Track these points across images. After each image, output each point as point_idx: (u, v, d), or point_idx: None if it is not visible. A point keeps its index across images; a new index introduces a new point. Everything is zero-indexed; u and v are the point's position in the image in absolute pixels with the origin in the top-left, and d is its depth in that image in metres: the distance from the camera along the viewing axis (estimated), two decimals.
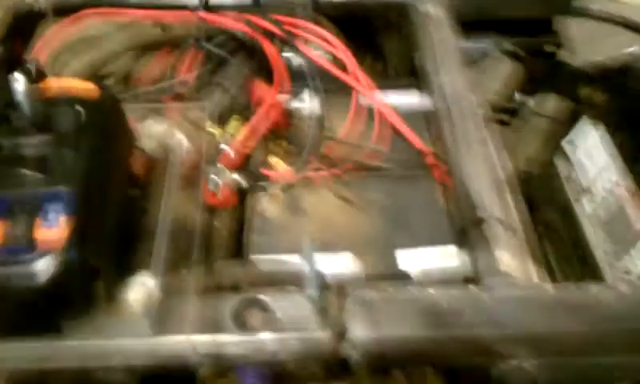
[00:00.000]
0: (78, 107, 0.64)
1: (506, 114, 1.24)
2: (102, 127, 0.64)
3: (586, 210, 1.07)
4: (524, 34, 1.20)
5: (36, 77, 0.66)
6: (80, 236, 0.56)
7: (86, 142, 0.61)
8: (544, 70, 1.22)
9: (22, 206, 0.56)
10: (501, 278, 0.70)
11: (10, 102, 0.63)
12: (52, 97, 0.66)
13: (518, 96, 1.23)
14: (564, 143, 1.14)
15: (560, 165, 1.15)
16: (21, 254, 0.54)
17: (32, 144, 0.61)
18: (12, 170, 0.59)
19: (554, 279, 1.00)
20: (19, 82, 0.60)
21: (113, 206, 0.65)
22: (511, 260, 0.72)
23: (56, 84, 0.67)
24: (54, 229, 0.55)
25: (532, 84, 1.22)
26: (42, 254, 0.54)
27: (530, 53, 1.21)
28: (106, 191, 0.62)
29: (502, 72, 1.23)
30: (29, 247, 0.54)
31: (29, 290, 0.54)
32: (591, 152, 1.09)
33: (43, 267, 0.53)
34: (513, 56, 1.22)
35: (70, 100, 0.65)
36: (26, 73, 0.64)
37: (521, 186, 0.90)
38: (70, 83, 0.67)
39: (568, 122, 1.16)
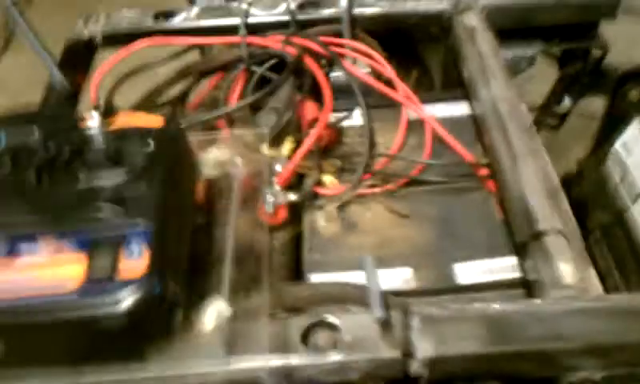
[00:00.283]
0: (148, 140, 0.67)
1: (554, 118, 1.25)
2: (170, 158, 0.67)
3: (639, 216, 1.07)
4: (567, 40, 1.20)
5: (107, 112, 0.69)
6: (159, 265, 0.58)
7: (158, 174, 0.64)
8: (590, 74, 1.22)
9: (104, 239, 0.59)
10: (564, 290, 0.71)
11: (84, 138, 0.67)
12: (123, 131, 0.69)
13: (566, 100, 1.23)
14: (617, 146, 1.13)
15: (613, 168, 1.14)
16: (104, 293, 0.56)
17: (107, 178, 0.64)
18: (90, 204, 0.62)
19: (610, 285, 1.00)
20: (93, 119, 0.64)
21: (185, 234, 0.67)
22: (572, 271, 0.72)
23: (125, 118, 0.71)
24: (136, 260, 0.58)
25: (578, 88, 1.22)
26: (125, 284, 0.56)
27: (575, 57, 1.21)
28: (178, 220, 0.65)
29: (549, 77, 1.23)
30: (113, 284, 0.57)
31: (113, 318, 0.56)
32: None
33: (126, 296, 0.56)
34: (558, 61, 1.22)
35: (140, 133, 0.68)
36: (99, 111, 0.67)
37: (570, 190, 0.91)
38: (138, 117, 0.71)
39: (615, 125, 1.16)
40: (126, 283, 0.56)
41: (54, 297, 0.56)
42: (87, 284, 0.56)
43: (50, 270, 0.58)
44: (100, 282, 0.56)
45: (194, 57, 1.17)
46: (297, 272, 0.88)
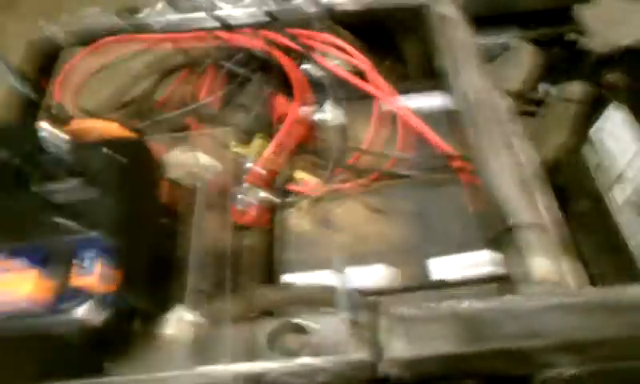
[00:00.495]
0: (104, 149, 0.65)
1: (531, 105, 1.23)
2: (129, 166, 0.65)
3: (618, 199, 1.05)
4: (542, 25, 1.18)
5: (61, 120, 0.67)
6: (113, 278, 0.56)
7: (115, 183, 0.62)
8: (566, 59, 1.20)
9: (58, 253, 0.57)
10: (537, 285, 0.69)
11: (38, 149, 0.64)
12: (78, 140, 0.66)
13: (542, 85, 1.21)
14: (592, 131, 1.12)
15: (589, 154, 1.13)
16: (59, 301, 0.54)
17: (62, 189, 0.62)
18: (44, 217, 0.60)
19: (588, 273, 0.99)
20: (46, 130, 0.61)
21: (146, 243, 0.65)
22: (546, 265, 0.71)
23: (80, 126, 0.68)
24: (90, 275, 0.55)
25: (555, 73, 1.20)
26: (80, 301, 0.54)
27: (550, 42, 1.19)
28: (138, 230, 0.63)
29: (525, 62, 1.21)
30: (67, 294, 0.54)
31: (66, 332, 0.54)
32: (621, 138, 1.07)
33: (83, 313, 0.54)
34: (534, 46, 1.21)
35: (96, 142, 0.66)
36: (52, 118, 0.65)
37: (550, 176, 0.89)
38: (93, 124, 0.68)
39: (594, 109, 1.14)
40: (79, 297, 0.54)
41: (3, 305, 0.54)
42: (37, 294, 0.54)
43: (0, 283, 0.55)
44: (51, 292, 0.54)
45: (163, 51, 1.14)
46: (269, 273, 0.86)
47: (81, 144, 0.65)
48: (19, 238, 0.58)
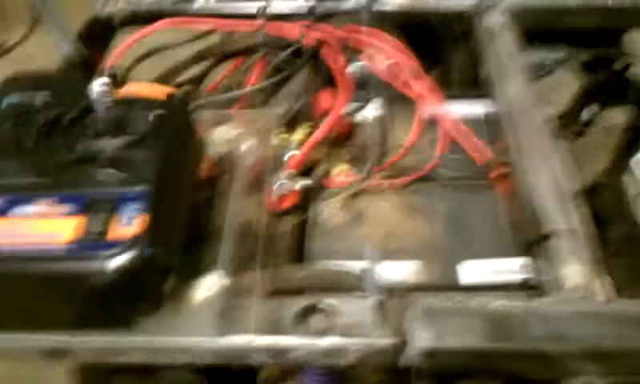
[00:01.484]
0: (152, 111, 0.67)
1: (575, 127, 1.22)
2: (174, 130, 0.66)
3: None
4: (592, 46, 1.17)
5: (115, 83, 0.69)
6: (152, 233, 0.57)
7: (159, 144, 0.63)
8: (613, 83, 1.19)
9: (99, 203, 0.59)
10: (568, 293, 0.69)
11: (89, 107, 0.67)
12: (128, 101, 0.69)
13: (587, 109, 1.20)
14: (633, 161, 1.11)
15: (628, 182, 1.11)
16: (95, 249, 0.56)
17: (109, 146, 0.64)
18: (90, 170, 0.62)
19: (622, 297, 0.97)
20: (99, 87, 0.63)
21: (183, 206, 0.67)
22: (579, 274, 0.70)
23: (132, 89, 0.70)
24: (129, 226, 0.57)
25: (600, 97, 1.19)
26: (115, 250, 0.56)
27: (600, 65, 1.19)
28: (177, 192, 0.64)
29: (571, 84, 1.20)
30: (103, 243, 0.56)
31: (101, 283, 0.56)
32: None
33: (116, 262, 0.55)
34: (582, 68, 1.20)
35: (144, 104, 0.68)
36: (105, 78, 0.67)
37: (589, 201, 0.88)
38: (145, 88, 0.70)
39: (637, 138, 1.13)
40: (117, 243, 0.56)
41: (44, 247, 0.55)
42: (78, 240, 0.56)
43: (43, 222, 0.57)
44: (91, 240, 0.56)
45: (214, 40, 1.17)
46: (301, 260, 0.87)
47: (129, 104, 0.67)
48: (66, 186, 0.60)
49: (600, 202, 1.11)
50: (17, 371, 1.83)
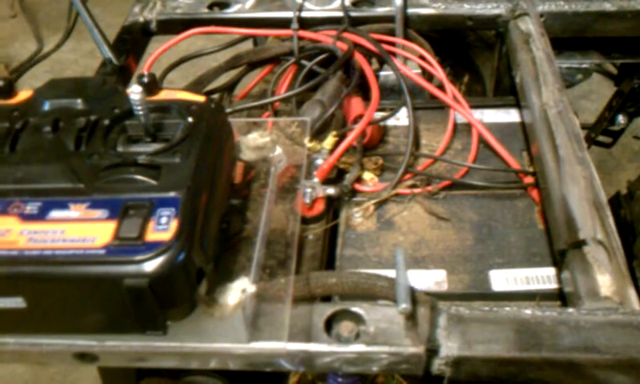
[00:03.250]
0: (188, 116, 0.68)
1: (606, 136, 1.20)
2: (209, 136, 0.67)
3: None
4: (625, 53, 1.16)
5: (151, 88, 0.70)
6: (187, 238, 0.58)
7: (195, 150, 0.64)
8: None
9: (136, 208, 0.60)
10: (601, 302, 0.68)
11: (127, 112, 0.68)
12: (164, 107, 0.70)
13: (620, 118, 1.18)
14: None
15: None
16: (131, 253, 0.57)
17: (145, 151, 0.65)
18: (127, 174, 0.63)
19: None
20: (136, 93, 0.64)
21: (217, 212, 0.68)
22: (612, 284, 0.69)
23: (168, 95, 0.71)
24: (165, 226, 0.58)
25: (633, 106, 1.18)
26: (151, 253, 0.57)
27: (632, 73, 1.17)
28: (211, 197, 0.65)
29: (604, 95, 1.19)
30: (139, 247, 0.57)
31: (136, 286, 0.57)
32: None
33: (151, 266, 0.56)
34: (615, 78, 1.19)
35: (180, 110, 0.69)
36: (143, 84, 0.68)
37: (620, 210, 0.87)
38: (181, 95, 0.71)
39: None
40: (153, 246, 0.57)
41: (80, 251, 0.57)
42: (114, 243, 0.57)
43: (79, 226, 0.59)
44: (127, 243, 0.57)
45: (246, 47, 1.18)
46: (329, 266, 0.88)
47: (166, 110, 0.69)
48: (102, 191, 0.61)
49: (631, 212, 1.10)
50: (42, 372, 1.87)
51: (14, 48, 3.42)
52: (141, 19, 1.18)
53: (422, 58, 1.09)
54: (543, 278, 0.80)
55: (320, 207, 0.90)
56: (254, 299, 0.66)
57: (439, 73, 1.06)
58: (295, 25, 1.11)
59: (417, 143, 1.00)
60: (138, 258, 0.56)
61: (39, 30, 3.48)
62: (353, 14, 1.14)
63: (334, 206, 0.93)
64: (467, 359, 0.64)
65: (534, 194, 0.91)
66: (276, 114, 1.04)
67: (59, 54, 3.25)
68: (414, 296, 0.67)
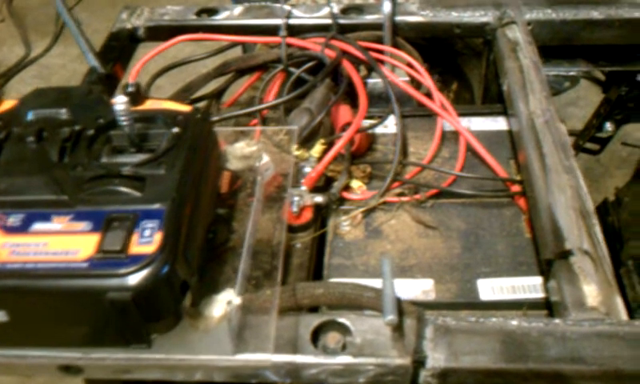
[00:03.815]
0: (173, 127, 0.67)
1: (594, 143, 1.21)
2: (195, 147, 0.67)
3: None
4: (612, 62, 1.17)
5: (136, 98, 0.70)
6: (171, 251, 0.58)
7: (180, 161, 0.64)
8: (635, 99, 1.18)
9: (120, 220, 0.59)
10: (587, 313, 0.68)
11: (112, 122, 0.68)
12: (150, 117, 0.69)
13: (608, 125, 1.19)
14: None
15: None
16: (114, 266, 0.56)
17: (129, 162, 0.65)
18: (111, 186, 0.62)
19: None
20: (121, 103, 0.64)
21: (202, 223, 0.67)
22: (598, 294, 0.69)
23: (154, 105, 0.71)
24: (148, 239, 0.57)
25: (621, 113, 1.18)
26: (135, 266, 0.56)
27: (620, 81, 1.18)
28: (196, 209, 0.64)
29: (592, 102, 1.20)
30: (122, 260, 0.57)
31: (120, 300, 0.56)
32: None
33: (135, 279, 0.56)
34: (602, 85, 1.19)
35: (165, 120, 0.69)
36: (128, 94, 0.68)
37: (608, 218, 0.87)
38: (166, 105, 0.71)
39: None
40: (136, 259, 0.56)
41: (63, 264, 0.56)
42: (97, 256, 0.57)
43: (62, 239, 0.58)
44: (110, 256, 0.56)
45: (235, 54, 1.18)
46: (317, 275, 0.87)
47: (151, 120, 0.68)
48: (85, 203, 0.61)
49: (619, 218, 1.10)
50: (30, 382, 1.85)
51: (2, 53, 3.40)
52: (128, 26, 1.17)
53: (410, 65, 1.09)
54: (530, 287, 0.80)
55: (308, 215, 0.90)
56: (240, 311, 0.66)
57: (427, 80, 1.06)
58: (283, 32, 1.10)
59: (405, 151, 1.00)
60: (122, 271, 0.56)
61: (27, 35, 3.47)
62: (341, 21, 1.14)
63: (321, 214, 0.93)
64: (454, 371, 0.64)
65: (521, 202, 0.91)
66: (264, 121, 1.04)
67: (47, 58, 3.24)
68: (400, 307, 0.67)
